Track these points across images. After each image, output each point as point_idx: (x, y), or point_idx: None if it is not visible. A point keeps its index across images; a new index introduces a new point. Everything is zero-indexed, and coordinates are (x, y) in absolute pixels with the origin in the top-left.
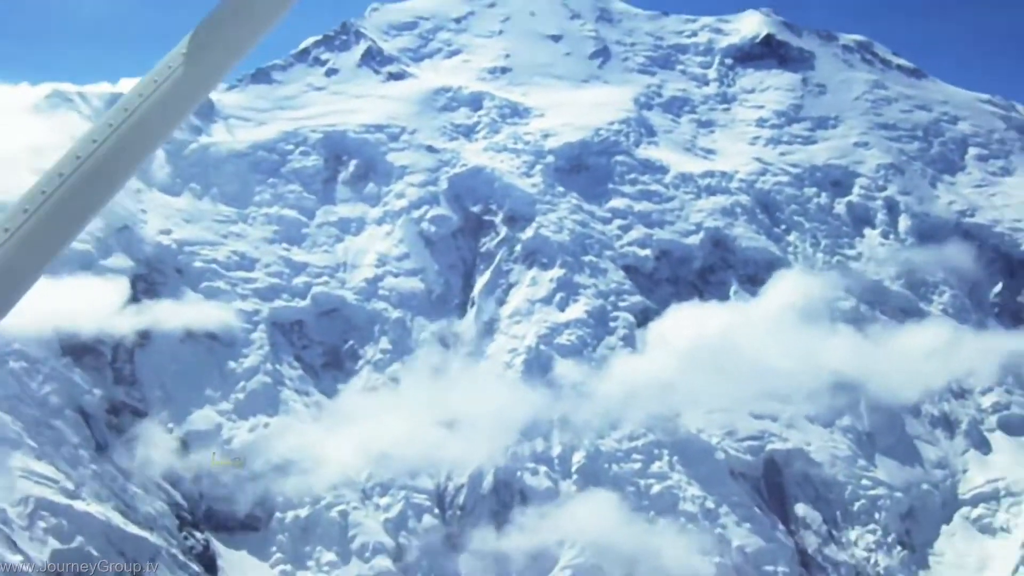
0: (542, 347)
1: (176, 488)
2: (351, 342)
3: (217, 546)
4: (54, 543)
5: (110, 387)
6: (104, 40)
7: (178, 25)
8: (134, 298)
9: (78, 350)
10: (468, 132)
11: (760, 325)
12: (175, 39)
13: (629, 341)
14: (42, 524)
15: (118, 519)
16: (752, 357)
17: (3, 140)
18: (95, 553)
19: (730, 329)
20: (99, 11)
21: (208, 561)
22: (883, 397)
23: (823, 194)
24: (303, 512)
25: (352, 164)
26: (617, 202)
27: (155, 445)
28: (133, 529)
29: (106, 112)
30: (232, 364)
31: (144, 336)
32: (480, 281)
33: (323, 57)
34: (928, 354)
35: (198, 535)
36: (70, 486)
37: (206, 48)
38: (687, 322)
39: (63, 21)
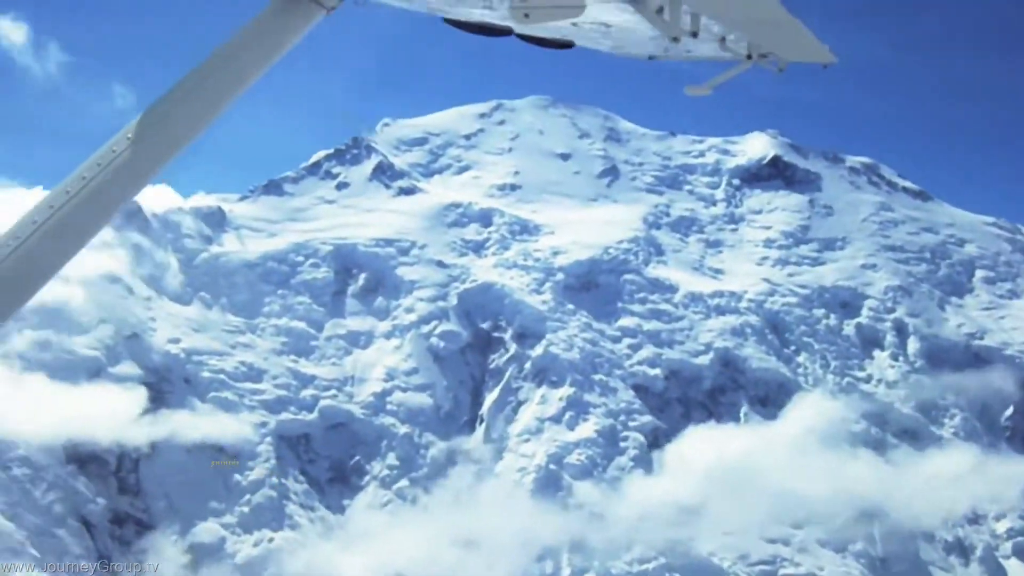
0: (552, 466)
1: None
2: (358, 457)
3: None
4: None
5: (114, 497)
6: None
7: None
8: (145, 408)
9: (83, 458)
10: (478, 248)
11: (779, 448)
12: (195, 147)
13: (642, 462)
14: None
15: None
16: (770, 480)
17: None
18: None
19: (749, 452)
20: (120, 122)
21: None
22: (897, 522)
23: (832, 315)
24: None
25: (362, 277)
26: (627, 321)
27: (161, 557)
28: None
29: (48, 193)
30: (238, 477)
31: (150, 446)
32: (489, 398)
33: (334, 170)
34: (942, 479)
35: None
36: None
37: (152, 134)
38: (704, 444)
39: (81, 130)
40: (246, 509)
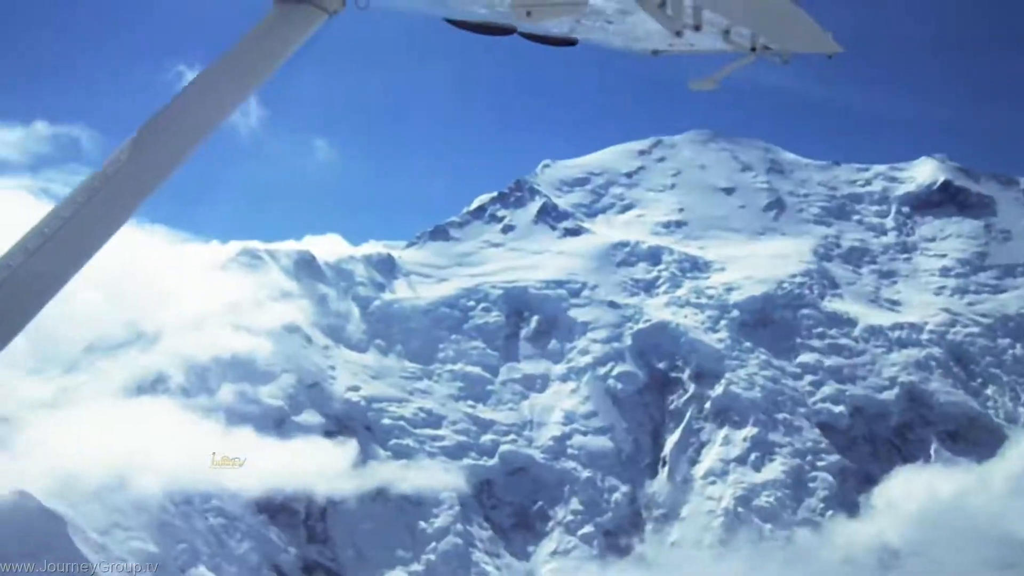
0: (740, 509)
1: None
2: (541, 502)
3: None
4: None
5: (304, 546)
6: (289, 200)
7: (363, 182)
8: (329, 456)
9: (273, 508)
10: (649, 287)
11: (993, 489)
12: (360, 196)
13: (841, 504)
14: None
15: None
16: (982, 522)
17: (201, 297)
18: None
19: (962, 493)
20: (284, 175)
21: None
22: None
23: (1018, 345)
24: None
25: (534, 320)
26: (807, 357)
27: None
28: None
29: (54, 206)
30: (423, 524)
31: (336, 495)
32: (670, 440)
33: (499, 214)
34: None
35: None
36: None
37: (156, 143)
38: (910, 485)
39: (250, 184)
40: (433, 557)
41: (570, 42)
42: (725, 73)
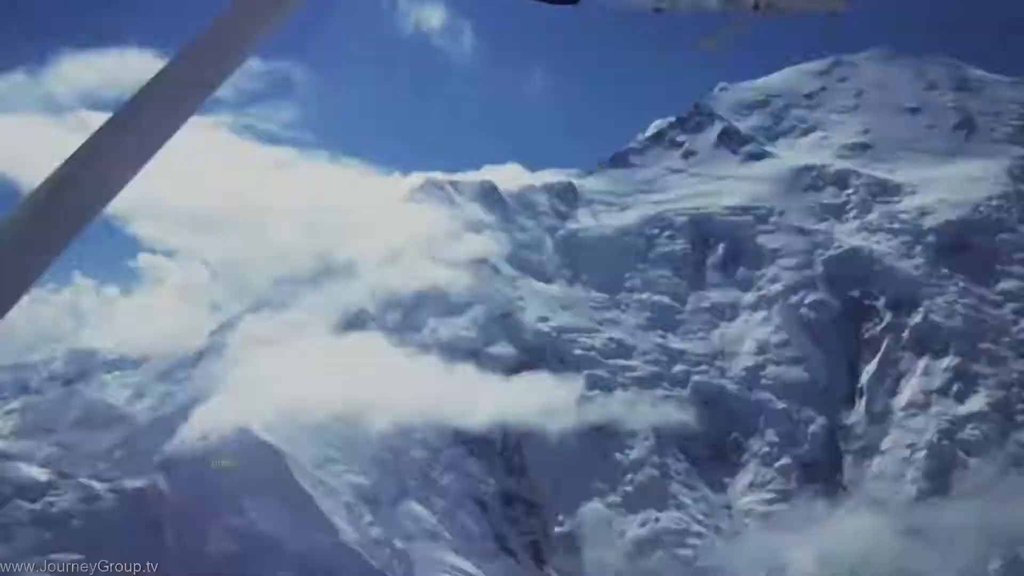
0: (944, 442)
1: None
2: (735, 434)
3: None
4: None
5: (502, 478)
6: (465, 130)
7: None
8: (522, 387)
9: (471, 440)
10: (838, 212)
11: None
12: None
13: None
14: None
15: None
16: None
17: (392, 230)
18: None
19: None
20: (459, 105)
21: None
22: None
23: None
24: None
25: (720, 248)
26: (1008, 284)
27: (549, 537)
28: None
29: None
30: (619, 456)
31: (531, 426)
32: (866, 370)
33: (678, 139)
34: None
35: None
36: None
37: (193, 67)
38: None
39: (426, 115)
40: (630, 489)
41: (571, 0)
42: (731, 31)
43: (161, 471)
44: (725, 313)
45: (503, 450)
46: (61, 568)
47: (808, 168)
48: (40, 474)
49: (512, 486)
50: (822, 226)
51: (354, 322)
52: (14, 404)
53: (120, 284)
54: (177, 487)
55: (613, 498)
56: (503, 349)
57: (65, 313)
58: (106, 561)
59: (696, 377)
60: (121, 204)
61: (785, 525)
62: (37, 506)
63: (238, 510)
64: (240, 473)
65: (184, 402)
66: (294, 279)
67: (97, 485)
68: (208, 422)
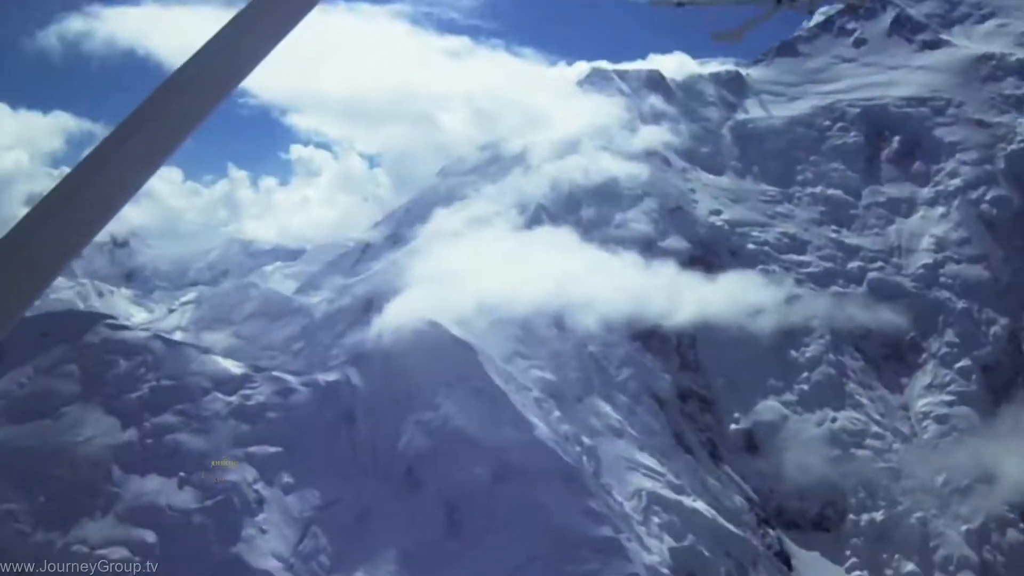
0: None
1: (746, 483)
2: (913, 334)
3: (790, 545)
4: (669, 540)
5: (676, 373)
6: (632, 17)
7: None
8: (697, 281)
9: (646, 335)
10: (1020, 104)
11: None
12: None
13: None
14: (656, 520)
15: (719, 517)
16: None
17: (564, 121)
18: (706, 553)
19: None
20: None
21: (783, 561)
22: None
23: None
24: (878, 516)
25: (895, 140)
26: None
27: (723, 435)
28: (735, 528)
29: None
30: (794, 354)
31: (705, 321)
32: None
33: (849, 27)
34: None
35: (771, 532)
36: (674, 480)
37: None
38: None
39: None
40: (806, 387)
41: None
42: (751, 25)
43: (352, 365)
44: (901, 209)
45: (678, 345)
46: (259, 461)
47: (987, 57)
48: (234, 367)
49: (687, 382)
50: (1003, 119)
51: (535, 216)
52: (188, 296)
53: (276, 176)
54: (369, 381)
55: (788, 396)
56: (676, 243)
57: (222, 205)
58: (303, 454)
59: (872, 274)
60: (277, 95)
61: (963, 428)
62: (234, 399)
63: (431, 405)
64: (431, 368)
65: (363, 295)
66: (464, 170)
67: (291, 379)
68: (396, 316)
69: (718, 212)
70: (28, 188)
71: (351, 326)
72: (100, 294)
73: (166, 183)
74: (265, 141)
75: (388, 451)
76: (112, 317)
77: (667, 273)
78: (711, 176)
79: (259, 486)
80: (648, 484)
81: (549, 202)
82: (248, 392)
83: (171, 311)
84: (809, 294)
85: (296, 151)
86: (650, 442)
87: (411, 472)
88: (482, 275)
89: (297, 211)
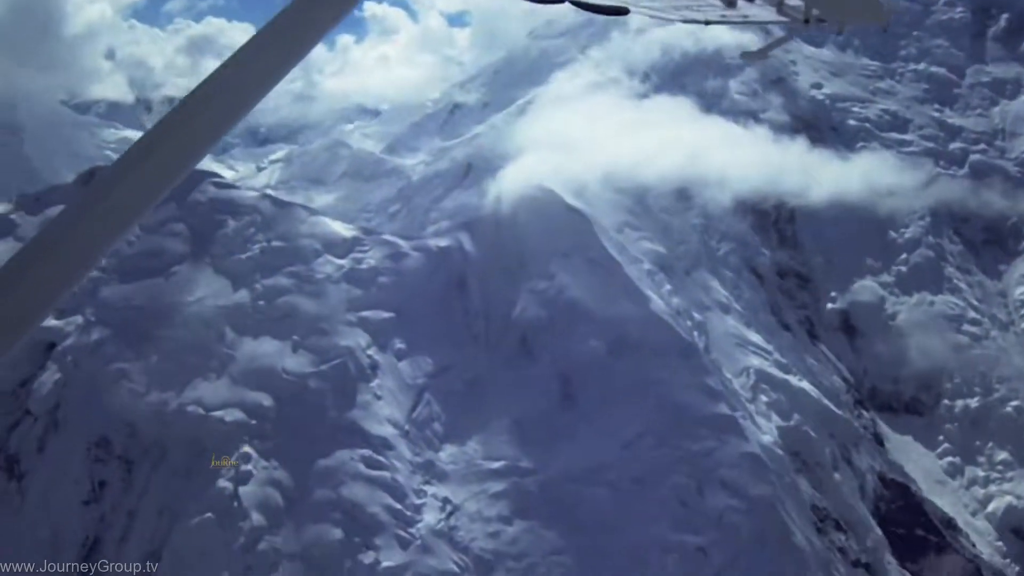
0: None
1: (841, 363)
2: (1013, 219)
3: (883, 427)
4: (777, 420)
5: (775, 250)
6: None
7: None
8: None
9: (746, 208)
10: None
11: None
12: None
13: None
14: (763, 399)
15: (824, 398)
16: None
17: None
18: (812, 434)
19: None
20: None
21: (878, 443)
22: None
23: None
24: (973, 403)
25: (1003, 18)
26: None
27: (820, 314)
28: (837, 409)
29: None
30: (892, 234)
31: (805, 197)
32: None
33: None
34: None
35: (866, 414)
36: (780, 358)
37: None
38: None
39: None
40: (903, 269)
41: (621, 11)
42: (778, 44)
43: (464, 230)
44: (1006, 90)
45: (776, 220)
46: (371, 326)
47: None
48: (344, 229)
49: (784, 259)
50: None
51: (650, 82)
52: (275, 154)
53: (349, 33)
54: (481, 248)
55: (886, 278)
56: (776, 115)
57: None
58: (414, 320)
59: (974, 156)
60: None
61: None
62: (345, 262)
63: (545, 274)
64: (545, 236)
65: (463, 159)
66: (556, 33)
67: (402, 243)
68: (507, 181)
69: (819, 86)
70: (109, 41)
71: (449, 190)
72: None
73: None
74: None
75: (501, 320)
76: (218, 175)
77: (767, 144)
78: (812, 48)
79: (372, 351)
80: (756, 362)
81: (659, 69)
82: (359, 256)
83: (260, 169)
84: (909, 174)
85: (370, 8)
86: (754, 318)
87: (524, 342)
88: (598, 143)
89: (374, 70)
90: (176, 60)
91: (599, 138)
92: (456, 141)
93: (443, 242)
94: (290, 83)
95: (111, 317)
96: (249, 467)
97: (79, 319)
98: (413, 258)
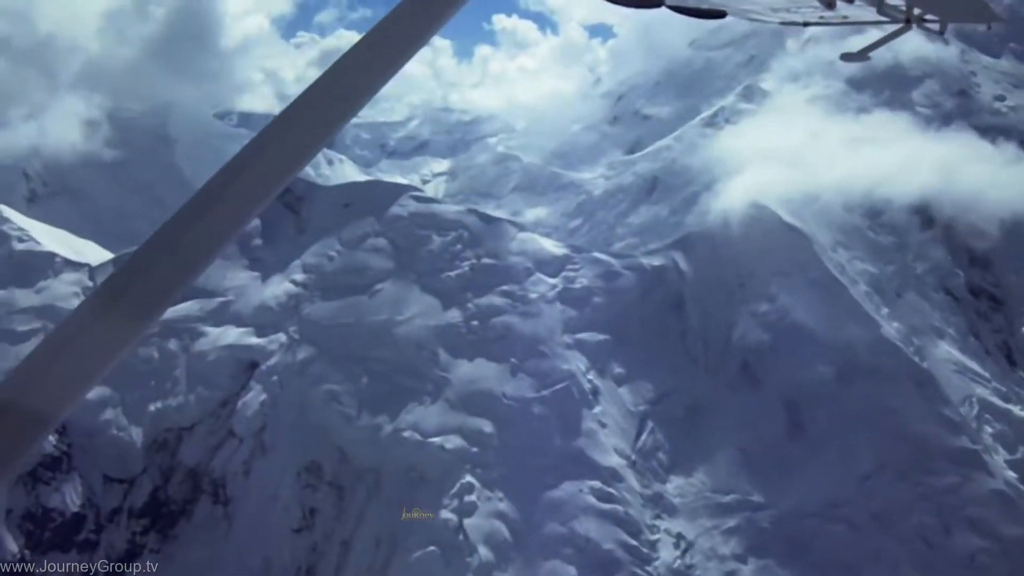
0: None
1: None
2: None
3: None
4: (1003, 452)
5: (967, 268)
6: None
7: None
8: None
9: (936, 225)
10: None
11: None
12: None
13: None
14: (988, 430)
15: None
16: None
17: None
18: None
19: None
20: None
21: None
22: None
23: None
24: None
25: None
26: None
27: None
28: None
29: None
30: None
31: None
32: None
33: None
34: None
35: None
36: (999, 386)
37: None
38: None
39: None
40: None
41: (719, 14)
42: (879, 45)
43: (678, 249)
44: None
45: (965, 238)
46: (588, 349)
47: None
48: (553, 247)
49: (976, 278)
50: None
51: (856, 95)
52: (441, 166)
53: (484, 45)
54: (697, 267)
55: None
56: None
57: (425, 75)
58: (630, 343)
59: None
60: None
61: None
62: (557, 281)
63: (766, 295)
64: (763, 254)
65: (646, 173)
66: (719, 44)
67: (613, 261)
68: (717, 198)
69: (1002, 98)
70: (262, 54)
71: (635, 205)
72: (330, 162)
73: None
74: (470, 7)
75: (720, 343)
76: (417, 189)
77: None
78: (989, 58)
79: (591, 376)
80: (978, 390)
81: (858, 80)
82: (570, 274)
83: (425, 182)
84: None
85: (500, 21)
86: (965, 343)
87: (746, 366)
88: (810, 158)
89: (518, 82)
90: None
91: (813, 153)
92: (638, 155)
93: (656, 261)
94: (426, 95)
95: (316, 335)
96: (473, 498)
97: (282, 337)
98: (626, 277)
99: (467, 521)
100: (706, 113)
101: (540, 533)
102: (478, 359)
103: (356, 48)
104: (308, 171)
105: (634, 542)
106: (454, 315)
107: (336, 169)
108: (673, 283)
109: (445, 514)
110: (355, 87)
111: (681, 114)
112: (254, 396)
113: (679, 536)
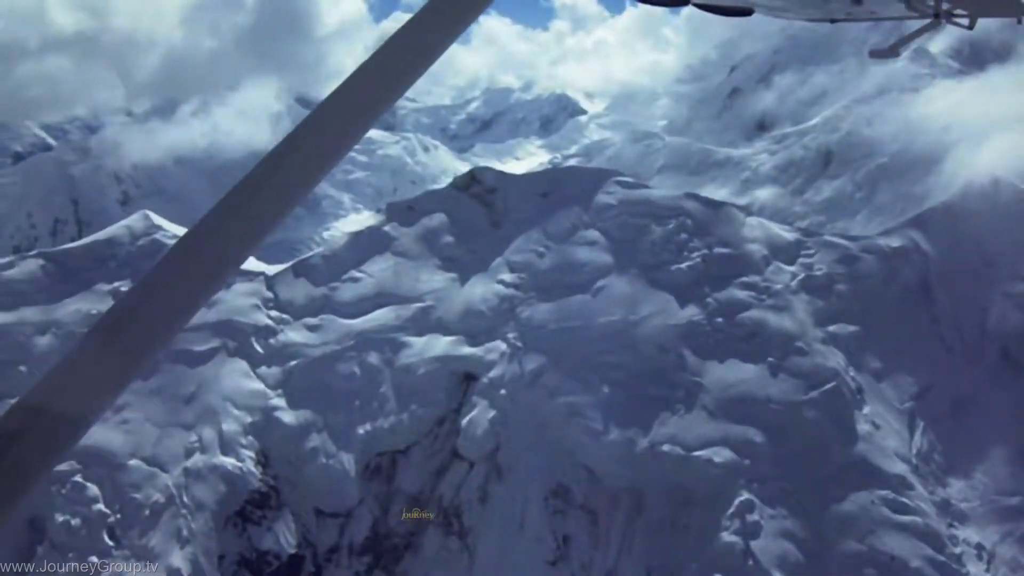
0: None
1: None
2: None
3: None
4: None
5: None
6: None
7: None
8: None
9: None
10: None
11: None
12: None
13: None
14: None
15: None
16: None
17: None
18: None
19: None
20: None
21: None
22: None
23: None
24: None
25: None
26: None
27: None
28: None
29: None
30: None
31: None
32: None
33: None
34: None
35: None
36: None
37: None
38: None
39: None
40: None
41: (746, 12)
42: (909, 41)
43: (915, 228)
44: None
45: None
46: (841, 342)
47: None
48: (784, 231)
49: None
50: None
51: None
52: (533, 146)
53: (541, 24)
54: (939, 247)
55: None
56: None
57: (485, 54)
58: (880, 332)
59: None
60: None
61: None
62: (795, 269)
63: (1018, 275)
64: (1008, 230)
65: (819, 146)
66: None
67: (849, 244)
68: (948, 172)
69: None
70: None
71: (811, 180)
72: (426, 149)
73: None
74: None
75: (975, 328)
76: (620, 173)
77: None
78: None
79: (852, 372)
80: None
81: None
82: (807, 260)
83: (552, 163)
84: None
85: None
86: None
87: (1007, 354)
88: None
89: (597, 57)
90: None
91: None
92: (801, 127)
93: (895, 242)
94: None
95: (541, 342)
96: (755, 517)
97: (501, 345)
98: (865, 261)
99: (754, 544)
100: (866, 86)
101: (836, 552)
102: (730, 360)
103: (400, 32)
104: (421, 159)
105: (941, 557)
106: (694, 312)
107: (433, 155)
108: (916, 265)
109: (727, 537)
110: (396, 73)
111: (825, 83)
112: (480, 413)
113: (979, 547)
